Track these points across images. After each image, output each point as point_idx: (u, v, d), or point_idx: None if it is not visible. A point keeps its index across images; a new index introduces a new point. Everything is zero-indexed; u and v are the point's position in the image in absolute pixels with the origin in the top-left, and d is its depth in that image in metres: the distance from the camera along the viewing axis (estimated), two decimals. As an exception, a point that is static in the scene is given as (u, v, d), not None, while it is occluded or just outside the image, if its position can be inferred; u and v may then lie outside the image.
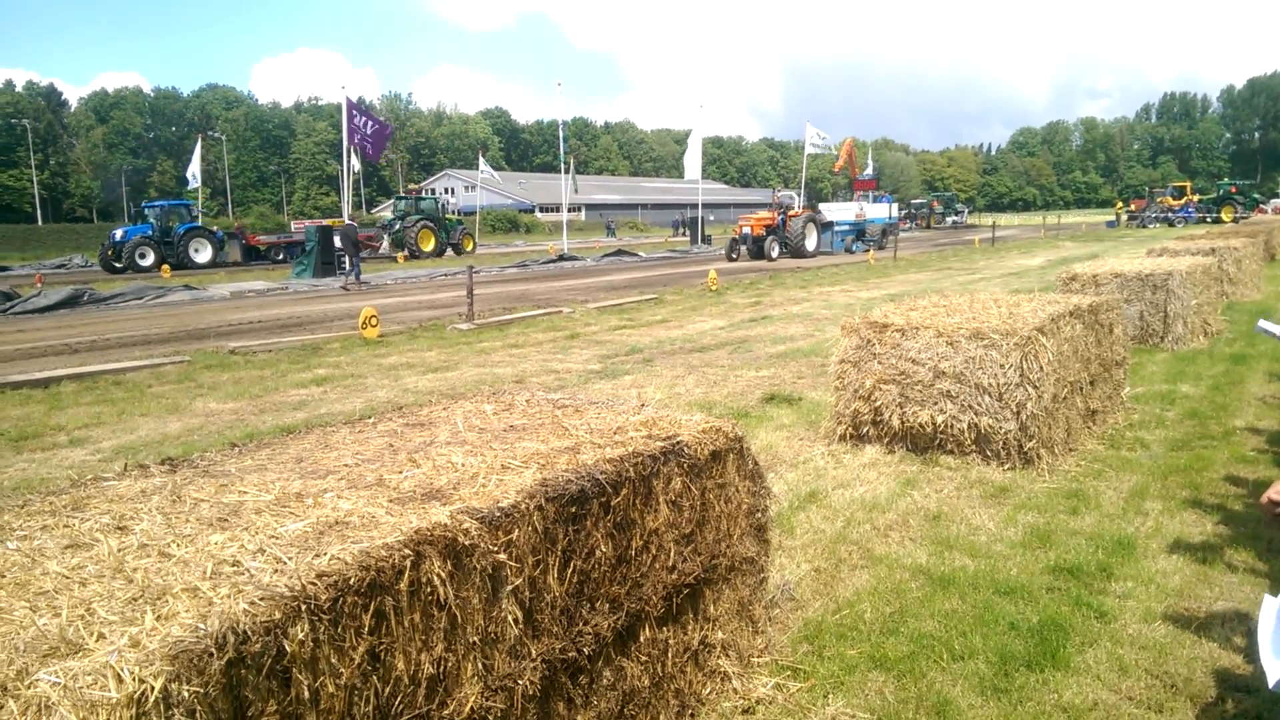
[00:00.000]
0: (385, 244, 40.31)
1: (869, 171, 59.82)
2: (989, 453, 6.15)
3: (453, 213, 46.20)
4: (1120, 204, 72.59)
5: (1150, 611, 4.07)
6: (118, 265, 34.22)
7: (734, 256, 33.14)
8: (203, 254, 36.18)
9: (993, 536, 4.96)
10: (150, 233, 35.59)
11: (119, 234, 36.02)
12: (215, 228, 40.28)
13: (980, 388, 6.09)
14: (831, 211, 38.70)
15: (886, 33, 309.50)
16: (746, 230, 33.19)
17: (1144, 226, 56.61)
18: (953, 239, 48.30)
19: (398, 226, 40.44)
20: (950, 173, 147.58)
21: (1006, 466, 6.05)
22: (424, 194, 46.72)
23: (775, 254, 32.38)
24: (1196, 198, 60.66)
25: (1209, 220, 53.65)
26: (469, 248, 43.10)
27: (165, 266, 33.32)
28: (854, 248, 36.91)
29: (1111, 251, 30.11)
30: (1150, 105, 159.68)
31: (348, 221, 27.50)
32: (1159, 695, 3.40)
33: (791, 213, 34.24)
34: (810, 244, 33.87)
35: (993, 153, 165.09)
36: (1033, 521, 5.17)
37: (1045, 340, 6.04)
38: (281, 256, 38.92)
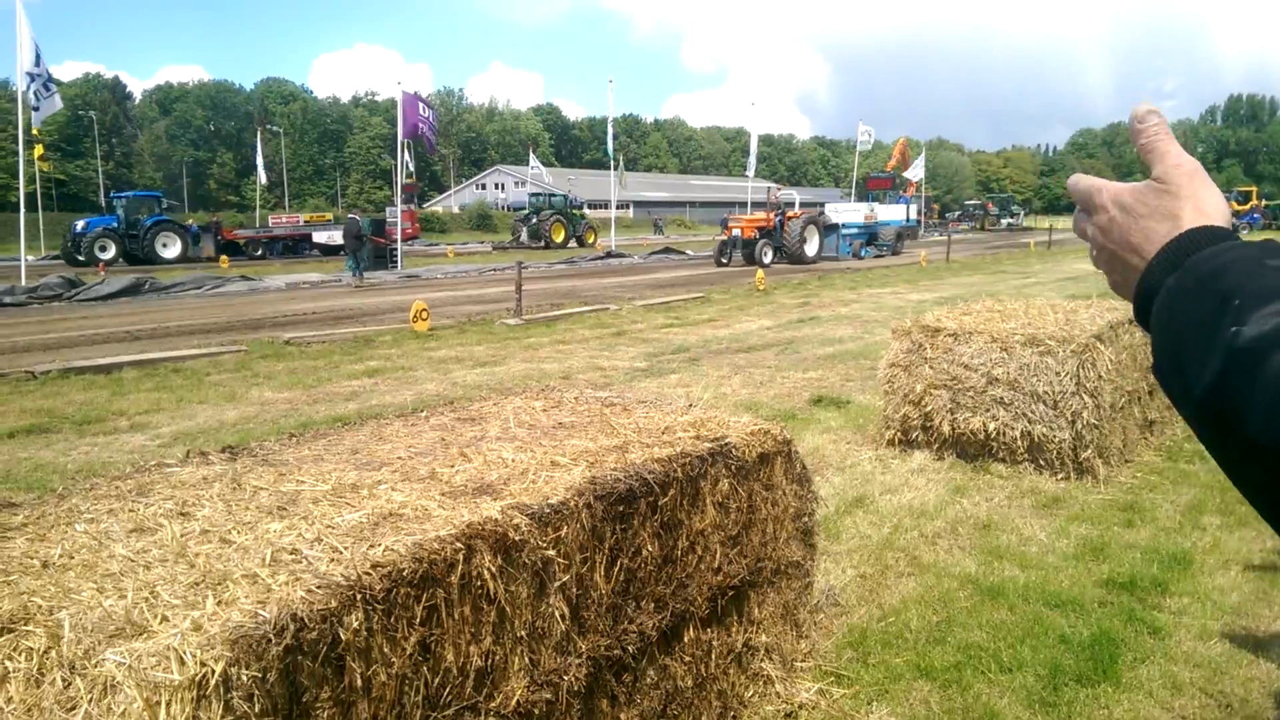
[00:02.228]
0: (524, 235, 44.15)
1: (919, 170, 58.89)
2: (1042, 462, 6.05)
3: (578, 208, 49.13)
4: (1183, 209, 70.65)
5: (1206, 629, 3.97)
6: (79, 258, 31.71)
7: (723, 262, 28.94)
8: (171, 249, 33.65)
9: (1044, 547, 4.88)
10: (116, 224, 33.32)
11: (80, 225, 33.33)
12: (190, 221, 38.38)
13: (1035, 395, 5.99)
14: (838, 213, 34.78)
15: (945, 29, 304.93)
16: (736, 232, 29.35)
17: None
18: (1007, 241, 47.49)
19: (534, 220, 44.57)
20: (1006, 173, 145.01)
21: (1060, 476, 5.94)
22: (555, 193, 50.21)
23: (768, 259, 28.50)
24: (1263, 203, 58.95)
25: (1275, 226, 52.04)
26: (591, 240, 45.82)
27: (222, 258, 33.75)
28: (863, 253, 33.36)
29: (1172, 258, 29.33)
30: (1215, 107, 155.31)
31: (351, 216, 25.82)
32: (1213, 715, 3.33)
33: (790, 213, 30.21)
34: (811, 249, 29.98)
35: (1051, 154, 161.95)
36: (1086, 533, 5.08)
37: (1103, 348, 5.92)
38: (260, 252, 37.07)
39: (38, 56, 19.57)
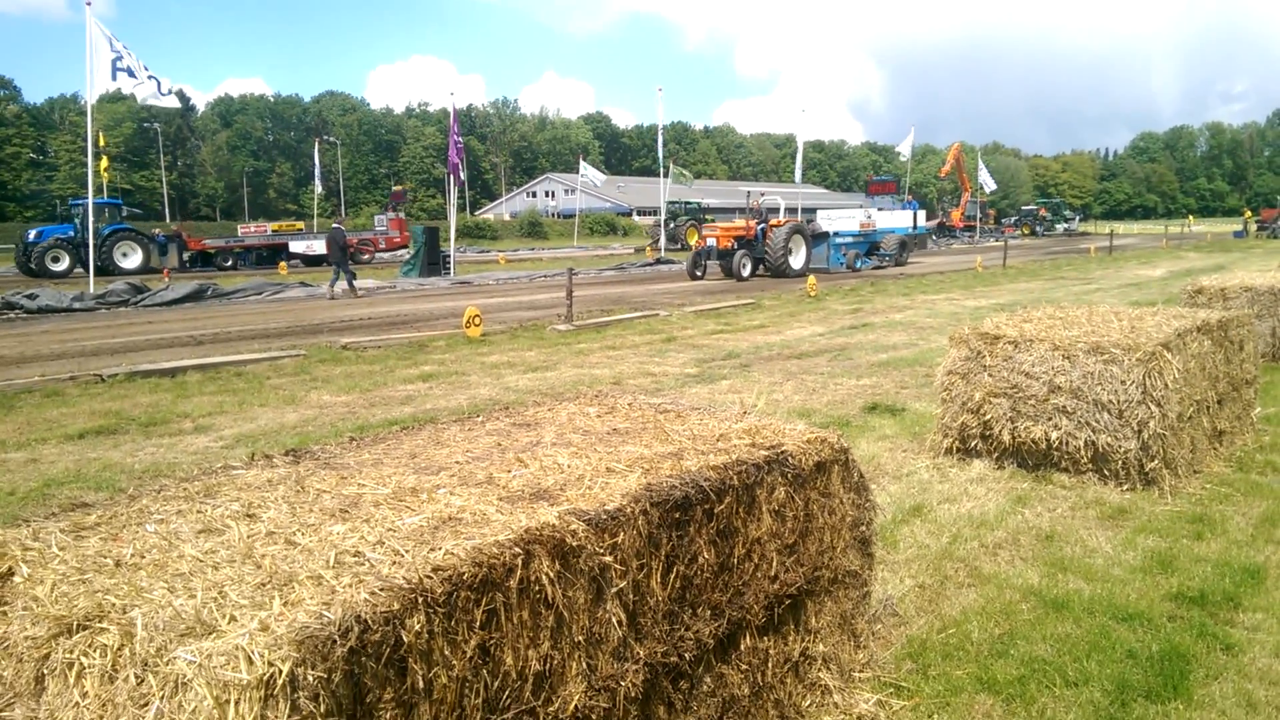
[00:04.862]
0: (662, 239, 46.31)
1: (984, 179, 57.90)
2: (1107, 472, 5.89)
3: (708, 214, 52.41)
4: (1249, 213, 68.80)
5: (1282, 646, 3.83)
6: (31, 268, 30.47)
7: (698, 274, 26.30)
8: (131, 259, 31.58)
9: (1110, 560, 4.75)
10: (72, 233, 31.25)
11: (33, 234, 31.72)
12: (156, 230, 36.88)
13: (1099, 404, 5.84)
14: (831, 220, 31.85)
15: (1006, 32, 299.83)
16: (712, 242, 26.67)
17: (1275, 237, 53.42)
18: (1067, 247, 46.50)
19: (672, 225, 48.28)
20: (1065, 178, 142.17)
21: (1125, 487, 5.78)
22: (690, 201, 53.74)
23: (746, 272, 25.83)
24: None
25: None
26: None
27: (280, 264, 34.16)
28: (859, 264, 30.07)
29: (1239, 263, 28.47)
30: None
31: (335, 225, 24.45)
32: (1293, 737, 3.20)
33: (774, 221, 27.54)
34: (796, 260, 27.00)
35: (1111, 158, 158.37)
36: (1153, 545, 4.93)
37: (1171, 356, 5.75)
38: (230, 263, 35.55)
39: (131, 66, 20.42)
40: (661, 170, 44.95)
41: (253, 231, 40.77)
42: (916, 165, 46.33)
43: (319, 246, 34.29)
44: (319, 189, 51.49)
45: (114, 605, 1.91)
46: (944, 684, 3.50)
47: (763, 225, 27.13)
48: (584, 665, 2.41)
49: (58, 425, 8.15)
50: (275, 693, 1.68)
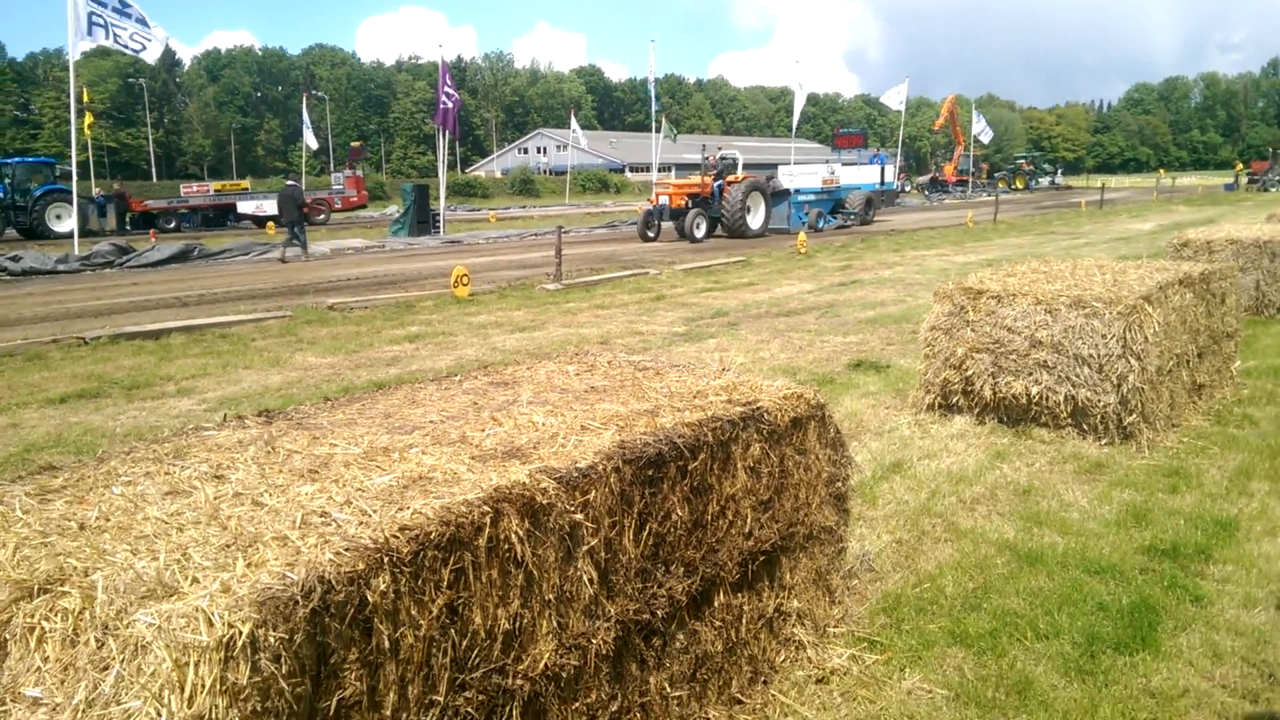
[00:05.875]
0: None
1: (983, 132, 57.27)
2: (1085, 426, 5.93)
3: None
4: (1240, 165, 68.56)
5: (1250, 597, 3.89)
6: None
7: (650, 235, 24.60)
8: (65, 221, 29.08)
9: (1085, 514, 4.80)
10: (1, 195, 30.38)
11: None
12: (98, 191, 35.29)
13: (1079, 358, 5.86)
14: (792, 176, 29.38)
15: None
16: (664, 200, 24.64)
17: (1265, 190, 53.28)
18: (1058, 201, 46.32)
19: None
20: (1059, 131, 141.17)
21: (1104, 441, 5.82)
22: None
23: (700, 233, 24.28)
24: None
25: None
26: None
27: (268, 224, 33.65)
28: (821, 224, 27.98)
29: (1228, 216, 28.44)
30: (1277, 60, 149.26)
31: (290, 183, 22.95)
32: (1254, 684, 3.26)
33: (731, 178, 25.63)
34: (755, 220, 25.62)
35: (1105, 110, 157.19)
36: (1129, 499, 4.98)
37: (1151, 310, 5.76)
38: (174, 225, 33.95)
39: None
40: (654, 125, 44.29)
41: (195, 191, 38.85)
42: (910, 119, 45.81)
43: (270, 207, 32.75)
44: (312, 145, 50.41)
45: (76, 568, 1.92)
46: (916, 638, 3.55)
47: (719, 182, 25.23)
48: (554, 624, 2.44)
49: (39, 389, 8.13)
50: (235, 654, 1.69)
